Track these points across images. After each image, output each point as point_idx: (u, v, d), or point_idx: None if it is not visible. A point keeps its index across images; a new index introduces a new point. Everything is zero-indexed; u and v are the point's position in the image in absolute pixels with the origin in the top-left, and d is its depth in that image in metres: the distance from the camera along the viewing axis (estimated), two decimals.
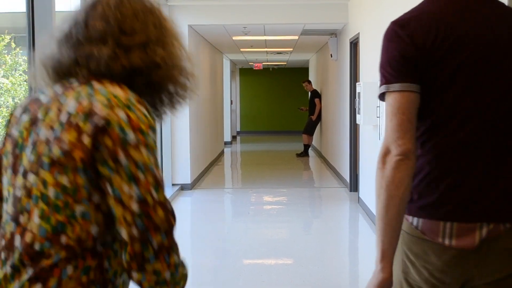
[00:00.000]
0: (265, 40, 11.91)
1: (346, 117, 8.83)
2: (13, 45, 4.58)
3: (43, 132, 1.25)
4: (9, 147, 1.32)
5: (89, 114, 1.21)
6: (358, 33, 7.61)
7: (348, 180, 8.71)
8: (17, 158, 1.29)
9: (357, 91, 6.54)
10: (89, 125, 1.20)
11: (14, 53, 4.63)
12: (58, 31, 1.36)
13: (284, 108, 21.67)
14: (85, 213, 1.23)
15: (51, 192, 1.22)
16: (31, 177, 1.24)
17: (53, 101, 1.28)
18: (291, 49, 14.12)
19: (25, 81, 4.43)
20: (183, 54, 1.39)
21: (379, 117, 5.97)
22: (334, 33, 10.10)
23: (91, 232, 1.23)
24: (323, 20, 8.77)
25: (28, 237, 1.23)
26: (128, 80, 1.31)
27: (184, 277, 1.27)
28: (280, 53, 15.28)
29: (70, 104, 1.25)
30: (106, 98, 1.23)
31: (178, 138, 8.83)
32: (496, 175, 1.52)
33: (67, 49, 1.32)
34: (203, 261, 5.38)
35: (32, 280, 1.21)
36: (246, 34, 10.55)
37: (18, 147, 1.29)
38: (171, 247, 1.21)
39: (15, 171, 1.29)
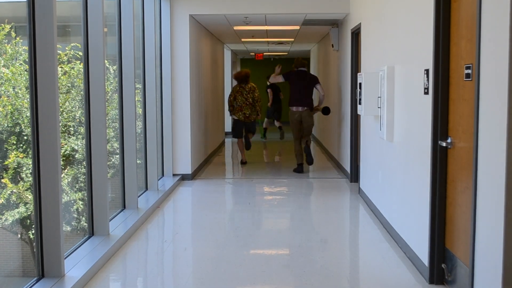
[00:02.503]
0: (266, 30, 11.88)
1: (347, 107, 8.83)
2: (13, 34, 4.58)
3: (247, 91, 10.48)
4: (238, 92, 10.43)
5: (253, 86, 10.64)
6: (360, 23, 7.58)
7: (348, 170, 8.72)
8: (247, 96, 10.44)
9: (358, 81, 6.52)
10: (251, 85, 10.60)
11: (15, 42, 4.63)
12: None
13: (285, 98, 21.62)
14: (252, 101, 10.59)
15: (252, 96, 10.49)
16: (248, 96, 10.43)
17: (247, 87, 10.55)
18: (293, 39, 14.09)
19: (25, 70, 4.42)
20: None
21: (381, 107, 5.96)
22: (335, 23, 10.07)
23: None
24: (325, 10, 8.74)
25: (249, 101, 10.47)
26: (247, 81, 10.62)
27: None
28: (281, 43, 15.24)
29: (250, 85, 10.57)
30: (252, 85, 10.68)
31: (179, 128, 8.83)
32: (302, 99, 9.40)
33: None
34: (204, 251, 5.39)
35: (252, 108, 10.57)
36: (247, 24, 10.51)
37: (239, 94, 10.45)
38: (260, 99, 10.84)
39: (242, 97, 10.48)
